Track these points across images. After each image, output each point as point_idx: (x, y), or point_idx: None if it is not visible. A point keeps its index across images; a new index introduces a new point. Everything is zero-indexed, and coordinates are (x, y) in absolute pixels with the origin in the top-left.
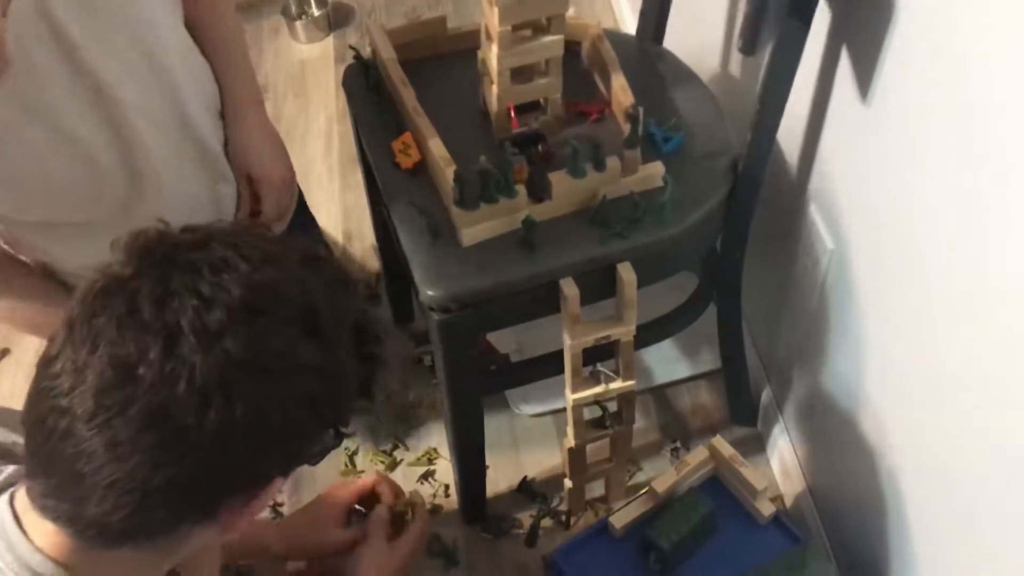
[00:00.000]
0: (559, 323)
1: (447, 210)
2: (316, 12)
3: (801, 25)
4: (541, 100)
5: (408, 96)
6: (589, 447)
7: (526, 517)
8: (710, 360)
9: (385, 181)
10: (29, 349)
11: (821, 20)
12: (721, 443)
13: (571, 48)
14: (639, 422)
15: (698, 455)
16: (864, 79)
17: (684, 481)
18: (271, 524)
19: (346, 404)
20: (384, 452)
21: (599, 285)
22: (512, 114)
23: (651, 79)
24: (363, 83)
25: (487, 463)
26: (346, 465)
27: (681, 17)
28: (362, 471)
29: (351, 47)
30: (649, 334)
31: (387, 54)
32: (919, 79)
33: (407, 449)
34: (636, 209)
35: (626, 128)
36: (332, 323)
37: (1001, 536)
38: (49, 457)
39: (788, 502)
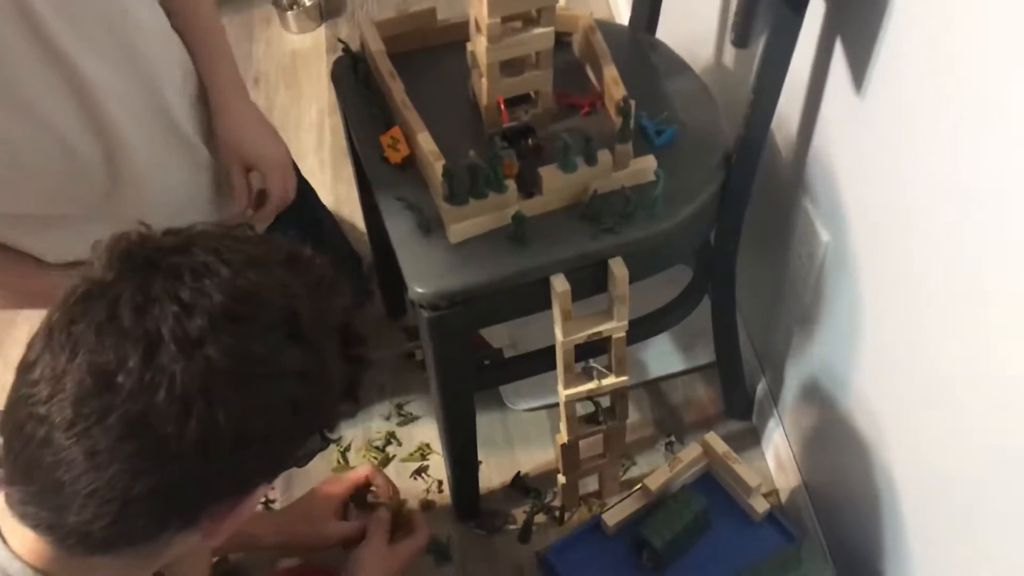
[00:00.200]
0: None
1: (436, 205)
2: (308, 2)
3: (795, 16)
4: (531, 93)
5: (397, 89)
6: (582, 442)
7: (519, 513)
8: (705, 354)
9: (374, 176)
10: (17, 342)
11: (815, 11)
12: (714, 439)
13: (562, 39)
14: (633, 416)
15: (691, 452)
16: (858, 70)
17: (677, 478)
18: (264, 515)
19: (331, 408)
20: (377, 448)
21: (591, 280)
22: (502, 107)
23: (644, 70)
24: (352, 76)
25: (480, 459)
26: (339, 462)
27: (675, 6)
28: (355, 467)
29: (340, 40)
30: (643, 329)
31: (375, 46)
32: (914, 71)
33: (400, 445)
34: (628, 204)
35: (618, 121)
36: (315, 326)
37: (997, 532)
38: (28, 465)
39: (784, 497)
